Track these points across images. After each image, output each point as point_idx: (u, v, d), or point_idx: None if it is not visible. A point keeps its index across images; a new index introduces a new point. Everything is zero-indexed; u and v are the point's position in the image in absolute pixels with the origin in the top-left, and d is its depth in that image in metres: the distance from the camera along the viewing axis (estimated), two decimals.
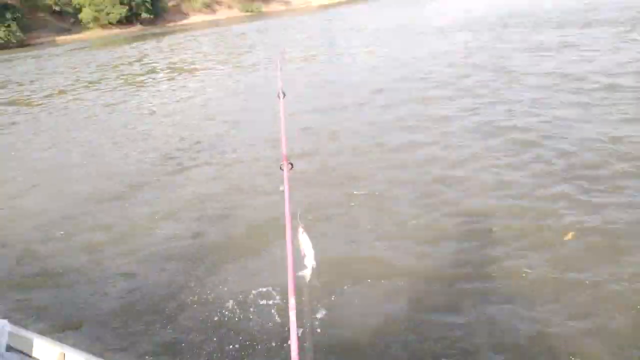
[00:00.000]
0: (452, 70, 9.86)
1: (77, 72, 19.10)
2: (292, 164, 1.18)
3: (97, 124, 9.67)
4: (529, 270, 3.22)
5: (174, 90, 12.39)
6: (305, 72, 12.31)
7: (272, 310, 3.13)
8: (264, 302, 3.23)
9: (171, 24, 55.57)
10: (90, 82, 15.85)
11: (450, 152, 5.55)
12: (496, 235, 3.71)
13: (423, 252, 3.66)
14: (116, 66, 19.74)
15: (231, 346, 2.90)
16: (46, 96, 14.13)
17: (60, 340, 2.32)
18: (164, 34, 36.74)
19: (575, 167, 4.68)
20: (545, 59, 9.58)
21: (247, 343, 2.90)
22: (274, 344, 2.86)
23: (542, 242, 3.53)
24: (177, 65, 17.48)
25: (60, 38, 48.13)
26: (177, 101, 10.86)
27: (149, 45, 27.87)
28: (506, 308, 2.96)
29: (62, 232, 4.81)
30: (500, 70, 9.13)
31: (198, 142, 7.28)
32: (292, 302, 0.69)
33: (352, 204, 4.56)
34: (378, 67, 11.59)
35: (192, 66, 16.80)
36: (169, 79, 14.37)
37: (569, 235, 3.49)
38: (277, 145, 6.34)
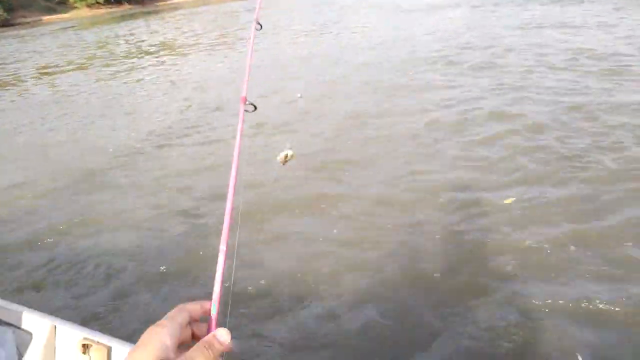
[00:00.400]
0: (439, 46, 9.83)
1: (63, 52, 18.77)
2: (254, 106, 1.12)
3: (83, 102, 9.58)
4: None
5: (162, 68, 12.26)
6: (293, 47, 12.21)
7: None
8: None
9: (160, 3, 54.46)
10: (77, 62, 15.61)
11: (427, 124, 5.61)
12: (460, 209, 3.81)
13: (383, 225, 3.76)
14: (104, 46, 19.42)
15: None
16: (32, 76, 13.92)
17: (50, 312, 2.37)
18: (152, 13, 36.06)
19: (553, 144, 4.76)
20: (534, 36, 9.58)
21: None
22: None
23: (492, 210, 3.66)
24: (166, 44, 17.23)
25: (47, 18, 47.07)
26: (165, 79, 10.76)
27: (137, 25, 27.39)
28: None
29: (46, 206, 4.85)
30: (489, 48, 9.12)
31: (186, 119, 7.27)
32: (222, 247, 0.72)
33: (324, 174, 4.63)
34: (366, 44, 11.51)
35: (182, 44, 16.57)
36: (157, 58, 14.19)
37: (509, 200, 3.72)
38: (270, 127, 6.36)
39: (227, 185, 0.86)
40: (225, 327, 0.67)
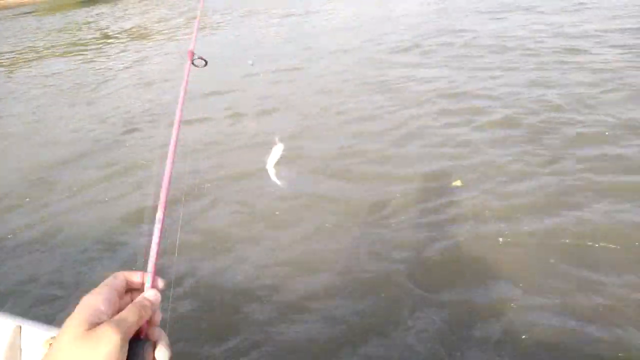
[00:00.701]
0: (409, 32, 9.87)
1: (23, 39, 17.91)
2: (205, 60, 1.04)
3: (43, 91, 9.21)
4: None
5: (127, 54, 11.87)
6: (264, 30, 12.03)
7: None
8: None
9: None
10: (38, 49, 14.94)
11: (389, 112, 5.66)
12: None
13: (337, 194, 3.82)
14: (66, 32, 18.62)
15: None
16: None
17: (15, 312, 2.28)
18: None
19: (518, 129, 4.88)
20: (501, 21, 9.72)
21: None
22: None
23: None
24: (132, 30, 16.66)
25: (2, 2, 44.58)
26: (130, 66, 10.45)
27: (100, 10, 26.32)
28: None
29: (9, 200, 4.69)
30: (456, 33, 9.20)
31: (150, 107, 7.11)
32: (159, 215, 0.72)
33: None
34: (332, 29, 11.44)
35: (149, 30, 16.05)
36: (123, 44, 13.72)
37: (458, 182, 3.83)
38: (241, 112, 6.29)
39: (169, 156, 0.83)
40: (169, 298, 0.68)
